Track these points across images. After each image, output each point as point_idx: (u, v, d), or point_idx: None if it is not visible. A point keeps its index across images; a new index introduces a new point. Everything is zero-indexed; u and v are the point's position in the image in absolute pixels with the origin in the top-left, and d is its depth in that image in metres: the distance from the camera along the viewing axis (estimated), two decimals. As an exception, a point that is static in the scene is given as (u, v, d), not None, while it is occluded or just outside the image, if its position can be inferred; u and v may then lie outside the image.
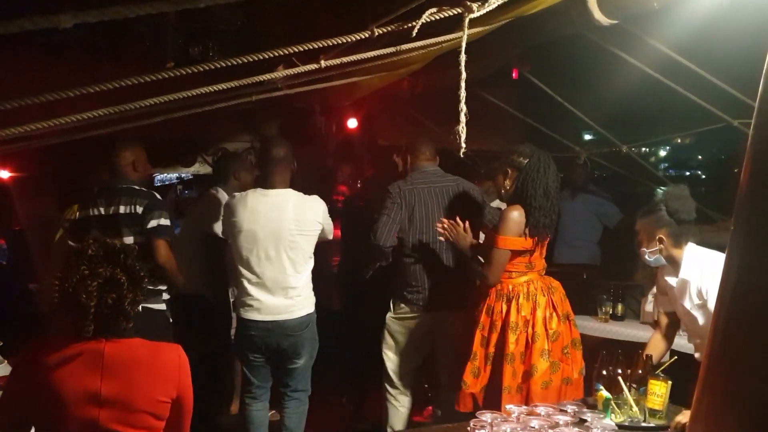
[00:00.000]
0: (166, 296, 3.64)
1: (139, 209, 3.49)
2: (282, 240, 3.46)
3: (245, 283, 3.52)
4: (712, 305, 2.63)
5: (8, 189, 7.20)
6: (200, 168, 5.83)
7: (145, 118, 2.97)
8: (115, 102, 2.19)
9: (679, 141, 5.03)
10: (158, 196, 3.64)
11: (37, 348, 1.92)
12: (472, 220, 3.70)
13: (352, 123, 5.51)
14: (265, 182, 3.58)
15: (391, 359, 3.88)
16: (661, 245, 2.80)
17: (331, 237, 3.77)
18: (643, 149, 5.08)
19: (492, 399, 3.16)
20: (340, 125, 5.64)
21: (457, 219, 3.44)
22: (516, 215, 3.18)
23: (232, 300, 4.26)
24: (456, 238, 3.40)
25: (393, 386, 3.89)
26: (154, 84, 2.07)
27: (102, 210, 3.54)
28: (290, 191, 3.59)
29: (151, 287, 3.49)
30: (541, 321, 3.15)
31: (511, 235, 3.17)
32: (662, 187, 5.34)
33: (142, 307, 3.43)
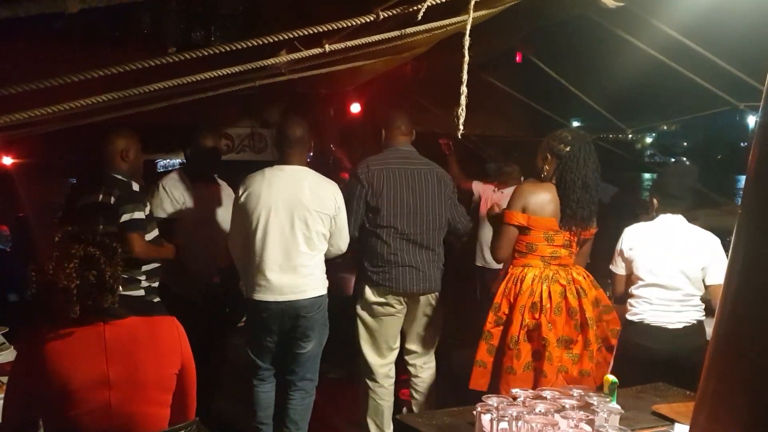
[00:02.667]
0: (146, 284, 3.60)
1: (112, 199, 3.44)
2: (298, 214, 3.42)
3: (258, 261, 3.43)
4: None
5: (11, 175, 7.20)
6: (203, 153, 5.79)
7: (147, 104, 2.95)
8: (117, 88, 2.18)
9: (665, 127, 5.05)
10: (135, 188, 3.54)
11: (37, 337, 1.92)
12: (442, 206, 3.73)
13: (355, 108, 5.49)
14: (281, 160, 3.55)
15: (367, 352, 3.81)
16: (652, 207, 3.30)
17: (345, 224, 3.63)
18: (630, 135, 5.11)
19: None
20: (343, 110, 5.62)
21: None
22: (523, 189, 3.19)
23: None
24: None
25: (372, 380, 3.81)
26: (157, 69, 2.06)
27: (87, 198, 3.51)
28: (307, 168, 3.57)
29: (126, 276, 3.48)
30: (519, 308, 3.12)
31: (514, 209, 3.17)
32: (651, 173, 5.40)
33: (120, 295, 3.44)
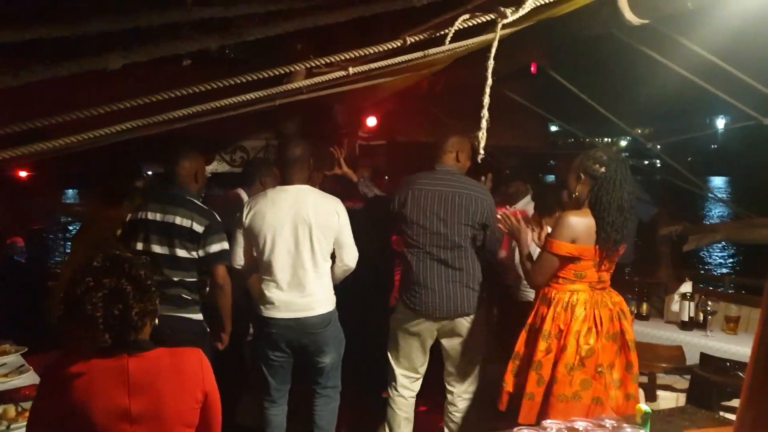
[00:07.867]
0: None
1: (198, 228, 3.43)
2: (303, 232, 3.45)
3: (266, 280, 3.50)
4: None
5: (26, 188, 7.23)
6: (218, 166, 5.78)
7: (166, 125, 2.95)
8: (139, 115, 2.18)
9: (639, 131, 4.94)
10: (217, 217, 3.56)
11: (60, 367, 1.88)
12: (466, 227, 3.64)
13: (372, 121, 5.46)
14: (283, 180, 3.59)
15: (391, 359, 3.87)
16: None
17: (350, 240, 3.60)
18: (606, 139, 5.05)
19: (517, 402, 3.11)
20: (360, 124, 5.59)
21: (517, 213, 3.42)
22: (572, 221, 3.05)
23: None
24: (511, 229, 3.38)
25: (392, 386, 3.87)
26: (174, 81, 2.07)
27: (158, 216, 3.48)
28: (309, 187, 3.59)
29: (190, 298, 3.49)
30: (574, 333, 3.01)
31: (563, 240, 3.04)
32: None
33: (181, 316, 3.43)
